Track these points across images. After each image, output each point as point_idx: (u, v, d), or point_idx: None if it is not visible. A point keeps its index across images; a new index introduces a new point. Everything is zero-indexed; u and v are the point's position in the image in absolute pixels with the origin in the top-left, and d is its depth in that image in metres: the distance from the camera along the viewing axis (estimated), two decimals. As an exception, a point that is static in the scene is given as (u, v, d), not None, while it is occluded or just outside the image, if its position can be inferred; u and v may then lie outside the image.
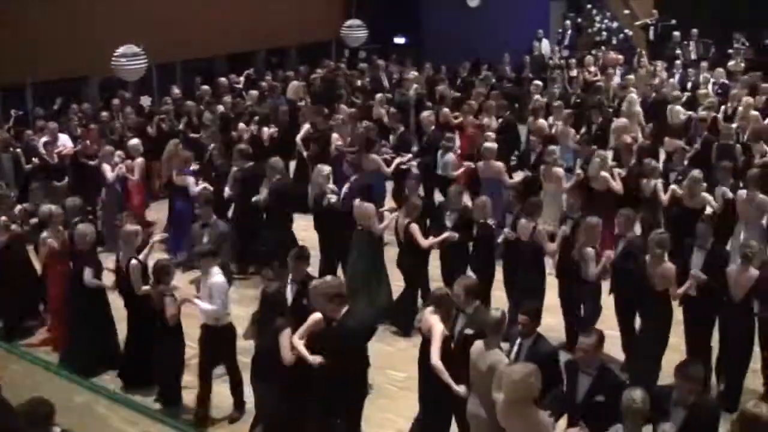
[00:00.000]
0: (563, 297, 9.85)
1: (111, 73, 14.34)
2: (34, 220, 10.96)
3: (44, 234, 10.18)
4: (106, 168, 13.36)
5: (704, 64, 19.57)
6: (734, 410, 7.54)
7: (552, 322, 9.72)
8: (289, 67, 21.98)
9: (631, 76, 19.14)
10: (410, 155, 14.01)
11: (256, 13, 21.36)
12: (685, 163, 12.42)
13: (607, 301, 9.50)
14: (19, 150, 14.39)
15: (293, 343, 7.54)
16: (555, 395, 6.82)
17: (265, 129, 15.49)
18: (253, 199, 11.95)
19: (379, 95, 18.06)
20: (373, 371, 8.03)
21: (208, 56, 21.75)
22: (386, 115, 16.40)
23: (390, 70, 21.40)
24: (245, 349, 9.11)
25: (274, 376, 7.62)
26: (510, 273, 10.34)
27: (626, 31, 24.00)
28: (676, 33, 21.96)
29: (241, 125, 15.45)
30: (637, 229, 10.23)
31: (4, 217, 10.59)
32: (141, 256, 9.42)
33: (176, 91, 18.27)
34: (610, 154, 13.29)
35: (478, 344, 7.07)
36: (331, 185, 11.62)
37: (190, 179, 12.63)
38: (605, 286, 9.48)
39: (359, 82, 20.33)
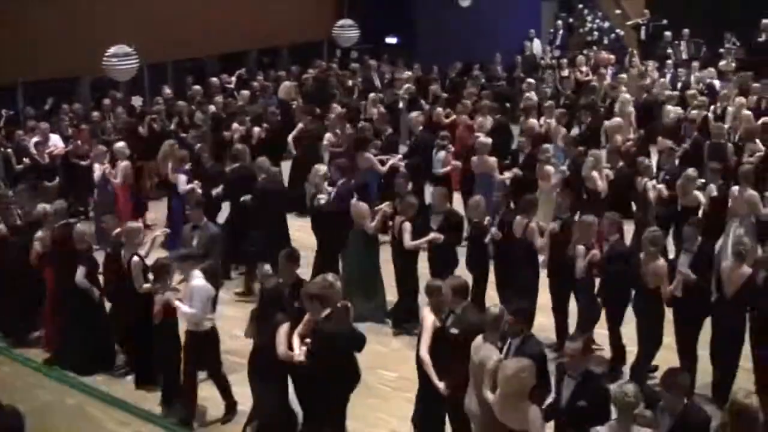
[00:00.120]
0: (553, 293, 9.85)
1: (102, 73, 14.29)
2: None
3: (39, 234, 10.13)
4: (98, 168, 13.31)
5: (695, 63, 19.65)
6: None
7: (545, 322, 9.75)
8: (281, 67, 21.94)
9: (624, 75, 19.19)
10: (399, 156, 14.01)
11: (247, 13, 21.30)
12: (677, 162, 12.44)
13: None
14: (9, 150, 14.35)
15: (290, 338, 7.53)
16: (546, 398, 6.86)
17: (256, 129, 15.48)
18: (242, 199, 11.94)
19: (372, 95, 18.07)
20: (365, 371, 8.02)
21: (200, 56, 21.71)
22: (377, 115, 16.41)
23: (382, 70, 21.40)
24: (235, 350, 9.14)
25: (273, 374, 7.59)
26: (501, 273, 10.32)
27: (617, 30, 24.08)
28: (668, 33, 22.02)
29: (235, 125, 15.46)
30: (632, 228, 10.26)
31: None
32: (143, 253, 9.41)
33: (167, 91, 18.21)
34: (604, 153, 13.32)
35: (479, 339, 7.13)
36: (327, 186, 11.64)
37: (182, 177, 12.60)
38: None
39: (350, 82, 20.33)
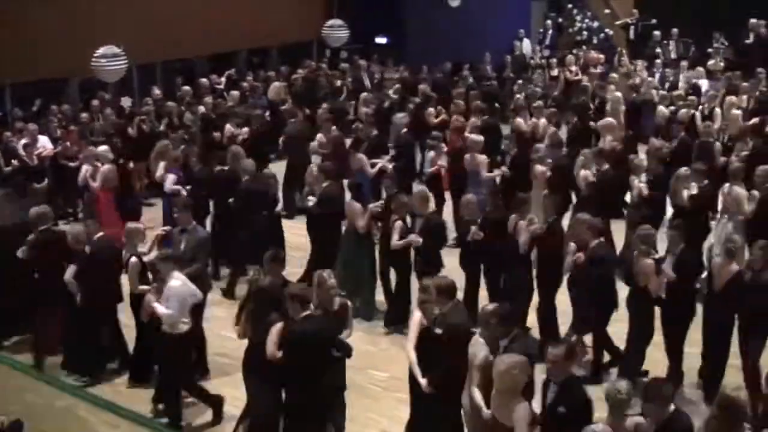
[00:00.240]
0: (540, 295, 9.84)
1: (91, 74, 14.23)
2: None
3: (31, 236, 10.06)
4: (83, 170, 13.25)
5: (684, 63, 19.70)
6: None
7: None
8: (271, 67, 21.92)
9: (615, 75, 19.22)
10: (388, 157, 14.00)
11: (237, 13, 21.26)
12: (662, 162, 12.45)
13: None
14: (-3, 152, 14.28)
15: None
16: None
17: (245, 129, 15.46)
18: (229, 200, 11.90)
19: (363, 95, 18.06)
20: (355, 371, 8.00)
21: (189, 56, 21.66)
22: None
23: (372, 70, 21.40)
24: (225, 352, 9.12)
25: (267, 373, 7.58)
26: (491, 272, 10.31)
27: (607, 30, 24.11)
28: (657, 32, 22.08)
29: (228, 127, 15.42)
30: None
31: None
32: (145, 250, 9.39)
33: (157, 91, 18.16)
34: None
35: (476, 336, 7.16)
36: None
37: (170, 176, 12.53)
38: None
39: (339, 83, 20.32)
